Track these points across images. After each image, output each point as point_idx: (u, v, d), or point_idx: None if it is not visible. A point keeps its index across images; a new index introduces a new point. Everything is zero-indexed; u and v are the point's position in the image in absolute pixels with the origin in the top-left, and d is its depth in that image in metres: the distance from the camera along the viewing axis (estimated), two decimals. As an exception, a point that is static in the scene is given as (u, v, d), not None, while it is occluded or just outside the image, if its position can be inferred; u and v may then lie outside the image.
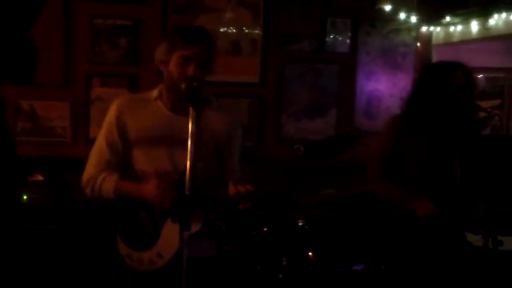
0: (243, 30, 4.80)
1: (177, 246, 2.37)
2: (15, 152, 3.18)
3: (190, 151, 2.15)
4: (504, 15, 4.24)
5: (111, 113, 2.60)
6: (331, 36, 4.95)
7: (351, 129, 2.23)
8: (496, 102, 5.19)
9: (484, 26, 4.42)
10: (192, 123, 2.16)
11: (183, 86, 2.33)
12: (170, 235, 2.44)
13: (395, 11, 4.89)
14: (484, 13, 4.39)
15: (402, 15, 4.90)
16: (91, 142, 2.64)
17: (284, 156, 2.36)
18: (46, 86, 4.48)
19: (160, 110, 2.57)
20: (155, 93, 2.60)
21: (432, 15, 4.92)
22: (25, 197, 3.90)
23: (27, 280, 3.67)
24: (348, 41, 4.98)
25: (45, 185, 4.06)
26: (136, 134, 2.55)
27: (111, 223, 2.58)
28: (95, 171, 2.56)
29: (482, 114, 3.06)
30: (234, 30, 4.79)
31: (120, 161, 2.58)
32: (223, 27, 4.77)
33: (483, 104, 3.62)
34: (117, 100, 2.63)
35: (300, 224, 3.58)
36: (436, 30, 5.01)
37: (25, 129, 4.46)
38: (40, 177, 4.11)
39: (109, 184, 2.53)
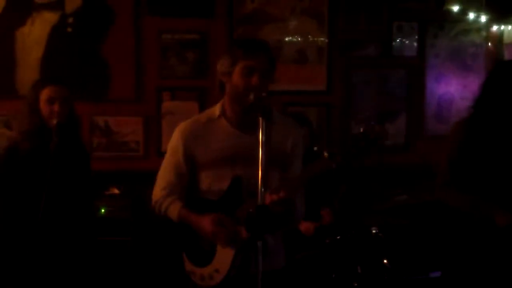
0: (308, 38, 4.81)
1: (231, 260, 2.44)
2: (90, 167, 3.30)
3: (261, 161, 2.16)
4: None
5: (176, 140, 2.62)
6: (398, 40, 4.89)
7: (368, 128, 2.19)
8: None
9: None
10: (262, 133, 2.16)
11: (251, 96, 2.34)
12: (224, 251, 2.47)
13: (463, 12, 4.77)
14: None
15: (471, 15, 4.78)
16: (163, 155, 2.70)
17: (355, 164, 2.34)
18: (118, 102, 4.63)
19: (225, 129, 2.57)
20: (217, 109, 2.60)
21: (502, 14, 4.79)
22: (102, 210, 4.02)
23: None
24: (415, 44, 4.91)
25: (121, 198, 4.18)
26: (203, 158, 2.57)
27: (178, 240, 2.63)
28: (162, 194, 2.62)
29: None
30: (299, 39, 4.80)
31: (186, 184, 2.62)
32: (288, 36, 4.78)
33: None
34: (179, 127, 2.64)
35: (374, 231, 3.54)
36: (507, 28, 4.86)
37: (101, 145, 4.62)
38: (116, 191, 4.23)
39: (173, 211, 2.58)
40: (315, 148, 3.91)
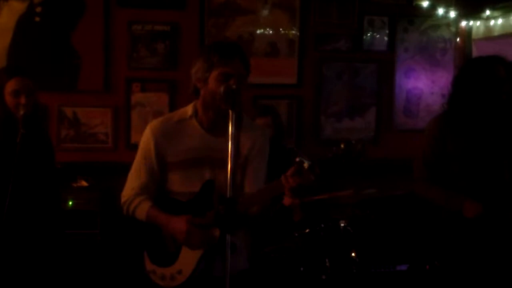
0: (280, 31, 4.81)
1: (196, 262, 2.45)
2: (55, 158, 3.27)
3: (231, 155, 2.16)
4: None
5: (147, 138, 2.61)
6: (369, 34, 4.92)
7: (350, 146, 2.20)
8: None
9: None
10: (232, 126, 2.17)
11: (222, 89, 2.34)
12: (189, 253, 2.48)
13: (433, 7, 4.83)
14: (525, 6, 4.31)
15: (441, 11, 4.84)
16: (132, 147, 2.69)
17: (325, 157, 2.34)
18: (87, 93, 4.57)
19: (196, 131, 2.57)
20: (189, 110, 2.60)
21: (471, 9, 4.85)
22: (70, 202, 3.98)
23: (72, 284, 3.74)
24: (385, 38, 4.95)
25: (90, 191, 4.13)
26: (173, 158, 2.56)
27: (140, 238, 2.62)
28: (132, 194, 2.60)
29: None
30: (271, 32, 4.80)
31: (156, 183, 2.61)
32: (260, 28, 4.78)
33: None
34: (151, 126, 2.63)
35: (342, 224, 3.57)
36: (476, 24, 4.93)
37: (69, 136, 4.55)
38: (84, 183, 4.18)
39: (141, 211, 2.57)
40: (295, 149, 3.89)
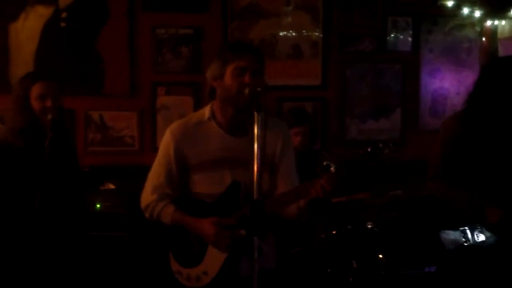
0: (303, 33, 4.80)
1: (221, 263, 2.46)
2: (78, 161, 3.30)
3: (257, 156, 2.16)
4: None
5: (167, 142, 2.62)
6: (392, 35, 4.89)
7: (377, 149, 2.19)
8: None
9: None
10: (258, 128, 2.17)
11: (246, 91, 2.35)
12: (215, 253, 2.49)
13: (457, 7, 4.78)
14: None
15: (465, 10, 4.80)
16: (158, 150, 2.70)
17: (352, 159, 2.34)
18: (113, 97, 4.62)
19: (216, 133, 2.58)
20: (206, 112, 2.61)
21: (496, 9, 4.79)
22: (98, 205, 4.01)
23: (100, 286, 3.77)
24: (410, 39, 4.91)
25: (117, 193, 4.17)
26: (194, 160, 2.58)
27: (166, 239, 2.63)
28: (153, 199, 2.63)
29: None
30: (294, 34, 4.80)
31: (177, 186, 2.62)
32: (283, 31, 4.78)
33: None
34: (171, 129, 2.65)
35: (369, 226, 3.55)
36: (501, 23, 4.87)
37: (96, 139, 4.61)
38: (111, 186, 4.22)
39: (166, 216, 2.59)
40: (323, 154, 3.87)
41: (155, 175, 2.66)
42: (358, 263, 3.42)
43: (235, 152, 2.50)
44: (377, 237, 3.58)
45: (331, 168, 2.23)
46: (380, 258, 3.50)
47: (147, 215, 2.67)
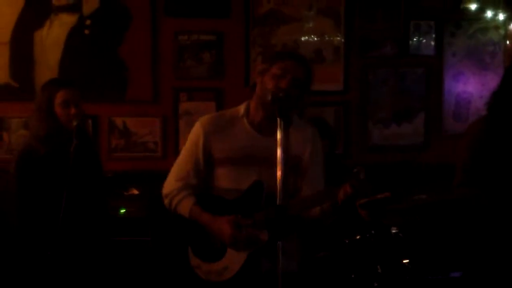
0: (325, 38, 4.79)
1: (243, 261, 2.45)
2: (102, 169, 3.32)
3: (280, 161, 2.16)
4: None
5: (196, 133, 2.64)
6: (415, 39, 4.86)
7: None
8: None
9: None
10: (281, 133, 2.17)
11: (269, 97, 2.34)
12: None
13: (481, 10, 4.74)
14: None
15: (489, 13, 4.75)
16: (180, 155, 2.73)
17: (373, 163, 2.33)
18: (136, 103, 4.64)
19: (246, 130, 2.59)
20: (242, 109, 2.62)
21: (520, 11, 4.75)
22: (122, 210, 4.04)
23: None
24: (432, 43, 4.88)
25: (140, 199, 4.18)
26: (220, 154, 2.58)
27: (184, 234, 2.62)
28: (175, 186, 2.64)
29: None
30: (315, 39, 4.79)
31: (201, 178, 2.63)
32: (305, 36, 4.78)
33: None
34: (201, 120, 2.67)
35: (394, 231, 3.53)
36: (525, 26, 4.82)
37: (119, 145, 4.64)
38: (135, 191, 4.25)
39: (184, 207, 2.60)
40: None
41: (181, 164, 2.67)
42: (383, 268, 3.40)
43: (262, 151, 2.49)
44: (401, 242, 3.55)
45: (361, 175, 2.22)
46: (405, 263, 3.47)
47: (166, 202, 2.67)
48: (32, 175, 3.02)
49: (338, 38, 4.80)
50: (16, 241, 2.99)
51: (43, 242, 2.96)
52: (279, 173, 2.15)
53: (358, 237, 3.55)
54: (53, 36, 4.58)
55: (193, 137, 2.65)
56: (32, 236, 3.01)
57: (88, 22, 4.61)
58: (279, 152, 2.15)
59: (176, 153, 4.58)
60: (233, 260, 2.48)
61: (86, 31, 4.62)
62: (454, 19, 4.87)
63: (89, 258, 3.13)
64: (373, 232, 3.55)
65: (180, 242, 2.64)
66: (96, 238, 3.19)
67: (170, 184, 2.67)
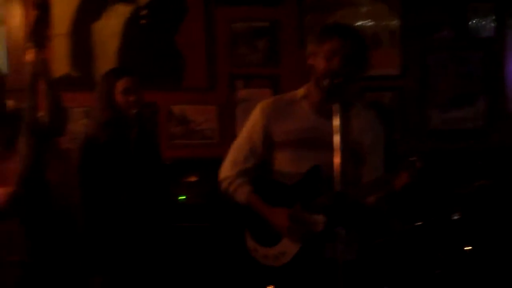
0: (381, 22, 4.72)
1: (300, 246, 2.43)
2: (161, 155, 3.37)
3: (339, 148, 2.14)
4: None
5: (256, 116, 2.63)
6: (474, 21, 4.73)
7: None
8: None
9: None
10: (337, 119, 2.15)
11: (325, 82, 2.32)
12: None
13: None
14: None
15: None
16: (237, 142, 2.73)
17: (431, 148, 2.30)
18: (193, 91, 4.68)
19: (306, 112, 2.56)
20: (301, 91, 2.60)
21: None
22: (181, 197, 4.10)
23: (183, 277, 3.84)
24: (492, 25, 4.74)
25: (199, 185, 4.25)
26: (280, 137, 2.57)
27: (241, 217, 2.63)
28: (232, 171, 2.64)
29: None
30: (371, 23, 4.72)
31: (259, 163, 2.62)
32: (360, 21, 4.71)
33: None
34: (261, 104, 2.65)
35: (455, 217, 3.46)
36: None
37: (177, 133, 4.70)
38: (194, 178, 4.30)
39: (241, 194, 2.60)
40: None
41: (237, 148, 2.67)
42: (444, 255, 3.34)
43: (322, 133, 2.45)
44: (462, 228, 3.48)
45: (417, 164, 2.19)
46: (467, 250, 3.40)
47: (222, 187, 2.68)
48: (94, 162, 3.09)
49: (394, 22, 4.71)
50: (80, 227, 3.05)
51: (106, 228, 3.03)
52: (337, 159, 2.13)
53: (418, 223, 3.50)
54: (110, 26, 4.66)
55: (252, 121, 2.64)
56: (95, 222, 3.07)
57: (144, 12, 4.67)
58: (337, 138, 2.13)
59: (233, 140, 4.61)
60: (290, 246, 2.48)
61: (142, 21, 4.68)
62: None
63: (150, 244, 3.18)
64: (434, 218, 3.50)
65: (238, 226, 2.65)
66: (158, 225, 3.24)
67: (226, 169, 2.68)
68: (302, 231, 2.42)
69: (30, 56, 3.13)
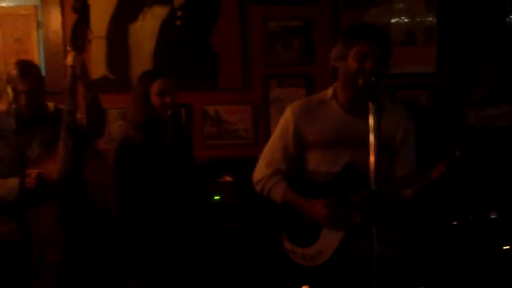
0: (416, 19, 4.67)
1: (337, 245, 2.46)
2: (193, 155, 3.40)
3: (373, 146, 2.15)
4: None
5: (287, 119, 2.67)
6: (511, 17, 4.64)
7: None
8: None
9: None
10: (373, 117, 2.15)
11: (360, 81, 2.34)
12: (330, 234, 2.47)
13: None
14: None
15: None
16: (271, 142, 2.76)
17: (469, 146, 2.27)
18: (227, 91, 4.71)
19: (336, 112, 2.59)
20: (329, 92, 2.63)
21: None
22: (215, 197, 4.12)
23: (218, 277, 3.87)
24: (532, 19, 4.65)
25: (233, 185, 4.25)
26: (312, 138, 2.60)
27: (278, 218, 2.64)
28: (267, 172, 2.68)
29: None
30: (406, 20, 4.67)
31: (292, 163, 2.66)
32: (395, 18, 4.67)
33: None
34: (291, 106, 2.70)
35: (493, 216, 3.41)
36: None
37: (212, 133, 4.73)
38: (228, 178, 4.32)
39: (278, 191, 2.64)
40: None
41: (270, 150, 2.71)
42: (482, 255, 3.30)
43: (354, 132, 2.50)
44: (501, 228, 3.42)
45: (456, 152, 2.18)
46: (506, 249, 3.35)
47: (258, 188, 2.73)
48: (130, 163, 3.13)
49: (430, 19, 4.66)
50: (116, 227, 3.10)
51: (141, 228, 3.07)
52: (372, 158, 2.14)
53: (455, 222, 3.46)
54: (146, 28, 4.72)
55: (283, 123, 2.68)
56: (131, 222, 3.12)
57: (179, 13, 4.72)
58: (371, 137, 2.14)
59: (267, 140, 4.62)
60: (327, 245, 2.50)
61: (178, 22, 4.73)
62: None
63: (185, 244, 3.21)
64: (471, 217, 3.46)
65: (274, 227, 2.68)
66: (191, 225, 3.27)
67: (260, 170, 2.72)
68: (340, 220, 2.44)
69: (69, 59, 3.21)
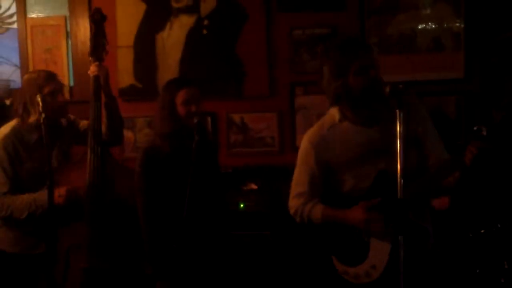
0: (444, 25, 4.63)
1: (388, 256, 2.48)
2: (219, 164, 3.42)
3: (399, 153, 2.16)
4: None
5: (307, 149, 2.70)
6: (543, 20, 4.58)
7: None
8: None
9: None
10: (400, 124, 2.18)
11: (387, 89, 2.34)
12: (379, 246, 2.48)
13: None
14: None
15: None
16: (298, 150, 2.78)
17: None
18: (253, 98, 4.73)
19: (352, 129, 2.62)
20: (336, 115, 2.66)
21: None
22: (241, 205, 4.13)
23: (243, 284, 3.88)
24: None
25: (259, 193, 4.26)
26: (338, 162, 2.63)
27: (325, 244, 2.66)
28: (299, 202, 2.72)
29: None
30: (434, 26, 4.64)
31: (321, 188, 2.69)
32: (422, 24, 4.64)
33: None
34: (308, 137, 2.73)
35: (522, 225, 3.36)
36: None
37: (238, 141, 4.76)
38: (254, 186, 4.33)
39: (316, 212, 2.67)
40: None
41: (298, 184, 2.75)
42: (510, 264, 3.25)
43: (374, 143, 2.55)
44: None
45: (483, 132, 2.19)
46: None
47: (298, 219, 2.77)
48: (157, 171, 3.15)
49: (458, 24, 4.62)
50: (142, 235, 3.13)
51: (168, 236, 3.09)
52: (399, 166, 2.16)
53: (482, 231, 3.42)
54: (173, 37, 4.77)
55: (304, 155, 2.73)
56: (158, 230, 3.14)
57: (206, 22, 4.76)
58: (399, 145, 2.17)
59: (293, 147, 4.65)
60: (378, 258, 2.52)
61: (204, 31, 4.77)
62: None
63: (211, 252, 3.23)
64: (498, 225, 3.41)
65: (323, 253, 2.69)
66: (217, 233, 3.28)
67: (293, 203, 2.78)
68: (381, 222, 2.45)
69: (93, 69, 3.28)
